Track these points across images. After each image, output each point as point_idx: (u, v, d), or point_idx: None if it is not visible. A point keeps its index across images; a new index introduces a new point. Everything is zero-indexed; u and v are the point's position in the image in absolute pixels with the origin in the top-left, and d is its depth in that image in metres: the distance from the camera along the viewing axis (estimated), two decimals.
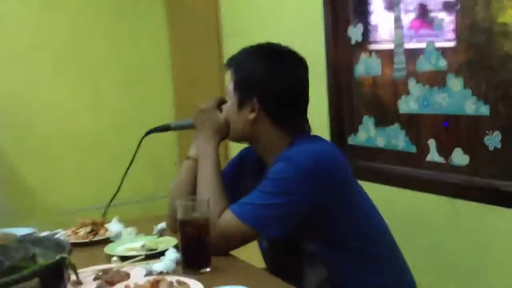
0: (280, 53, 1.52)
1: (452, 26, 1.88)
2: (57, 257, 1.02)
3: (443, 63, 1.90)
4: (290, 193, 1.40)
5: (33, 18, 3.57)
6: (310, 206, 1.41)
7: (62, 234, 1.76)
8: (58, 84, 3.63)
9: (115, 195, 1.83)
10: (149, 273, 1.34)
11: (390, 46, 2.14)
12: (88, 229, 1.71)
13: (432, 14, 1.95)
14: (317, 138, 1.55)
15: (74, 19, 3.68)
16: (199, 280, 1.25)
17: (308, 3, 2.49)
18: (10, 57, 3.48)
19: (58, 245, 1.13)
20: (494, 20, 1.72)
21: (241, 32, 3.09)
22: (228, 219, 1.42)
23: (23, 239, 1.18)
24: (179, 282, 1.22)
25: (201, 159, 1.57)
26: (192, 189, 1.67)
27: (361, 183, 1.56)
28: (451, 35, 1.89)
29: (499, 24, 1.71)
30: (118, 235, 1.71)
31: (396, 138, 2.15)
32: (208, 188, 1.51)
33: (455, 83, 1.86)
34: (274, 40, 1.56)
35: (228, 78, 1.56)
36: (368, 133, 2.30)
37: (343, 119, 2.41)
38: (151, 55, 3.95)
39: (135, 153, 1.76)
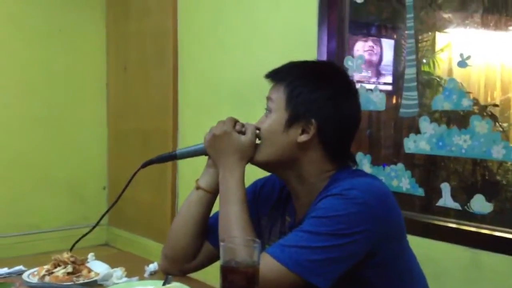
0: (341, 75, 1.32)
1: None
2: None
3: (467, 103, 1.78)
4: (348, 234, 1.15)
5: None
6: (366, 250, 1.18)
7: (30, 274, 1.40)
8: None
9: (98, 222, 1.52)
10: None
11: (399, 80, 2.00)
12: (70, 268, 1.36)
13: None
14: (363, 172, 1.35)
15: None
16: None
17: (302, 31, 2.32)
18: None
19: None
20: None
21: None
22: (265, 263, 1.14)
23: None
24: None
25: (224, 193, 1.31)
26: (203, 226, 1.41)
27: None
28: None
29: None
30: (106, 278, 1.38)
31: (399, 180, 1.99)
32: (237, 230, 1.24)
33: (481, 124, 1.74)
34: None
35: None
36: None
37: None
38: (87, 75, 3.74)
39: (126, 186, 1.47)
